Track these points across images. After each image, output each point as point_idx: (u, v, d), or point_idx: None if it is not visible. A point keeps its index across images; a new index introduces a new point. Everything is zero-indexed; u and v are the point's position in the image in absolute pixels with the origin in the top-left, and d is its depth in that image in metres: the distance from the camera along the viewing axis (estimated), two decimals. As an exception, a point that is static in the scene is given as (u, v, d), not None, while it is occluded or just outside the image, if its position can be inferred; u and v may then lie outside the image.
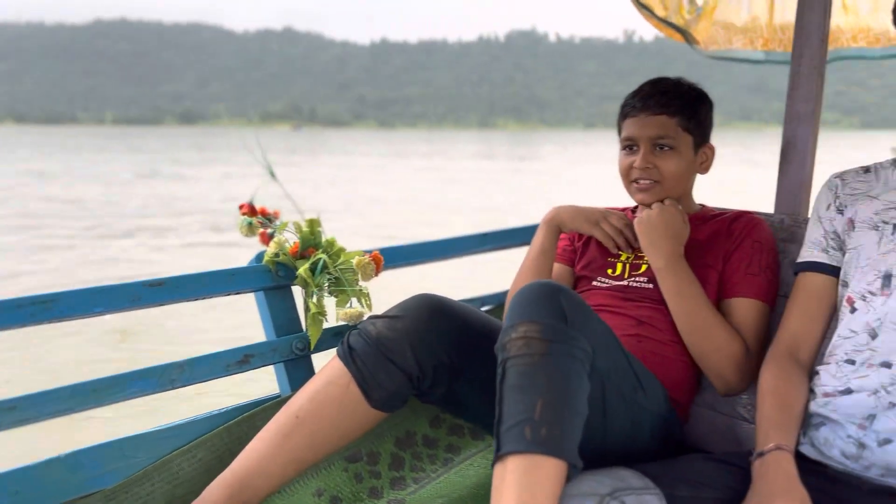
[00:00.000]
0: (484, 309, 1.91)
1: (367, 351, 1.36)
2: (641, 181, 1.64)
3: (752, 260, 1.57)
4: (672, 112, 1.62)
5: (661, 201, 1.62)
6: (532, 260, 1.73)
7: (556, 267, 1.80)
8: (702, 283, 1.57)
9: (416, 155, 39.67)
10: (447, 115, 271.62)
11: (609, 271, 1.69)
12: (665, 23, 2.25)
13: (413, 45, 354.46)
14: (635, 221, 1.61)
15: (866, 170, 1.41)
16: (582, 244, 1.78)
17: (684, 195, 1.70)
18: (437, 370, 1.39)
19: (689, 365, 1.56)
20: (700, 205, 1.75)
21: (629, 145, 1.66)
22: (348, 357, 1.38)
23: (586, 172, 26.18)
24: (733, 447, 1.59)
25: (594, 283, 1.70)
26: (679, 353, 1.55)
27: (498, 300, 1.96)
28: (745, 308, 1.55)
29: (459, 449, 1.69)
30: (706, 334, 1.50)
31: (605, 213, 1.70)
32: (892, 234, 1.28)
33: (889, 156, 1.39)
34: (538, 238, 1.73)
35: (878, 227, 1.31)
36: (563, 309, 1.18)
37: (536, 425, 1.07)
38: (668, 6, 2.22)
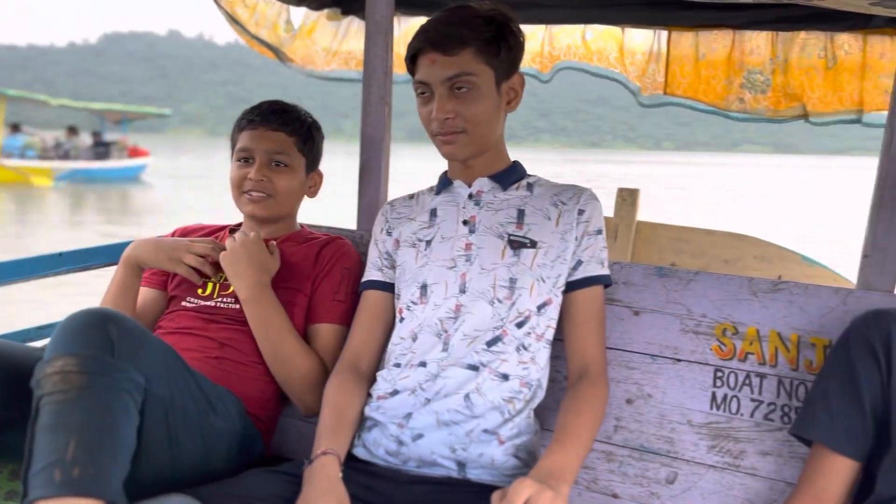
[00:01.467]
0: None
1: None
2: (254, 193, 1.66)
3: (339, 287, 1.65)
4: (290, 131, 1.68)
5: (247, 233, 1.62)
6: (112, 295, 1.65)
7: (145, 292, 1.73)
8: (290, 305, 1.62)
9: None
10: None
11: (199, 291, 1.67)
12: (257, 40, 2.30)
13: None
14: (221, 255, 1.60)
15: (411, 196, 1.59)
16: None
17: (290, 215, 1.76)
18: None
19: (270, 382, 1.60)
20: (301, 225, 1.82)
21: (245, 157, 1.67)
22: None
23: None
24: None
25: (183, 303, 1.67)
26: (261, 373, 1.58)
27: None
28: (331, 333, 1.63)
29: (25, 495, 1.52)
30: (289, 363, 1.55)
31: (189, 245, 1.65)
32: (426, 249, 1.46)
33: None
34: (117, 275, 1.66)
35: (416, 244, 1.48)
36: (110, 338, 1.14)
37: (68, 466, 1.01)
38: (262, 24, 2.28)
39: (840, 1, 1.94)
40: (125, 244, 1.72)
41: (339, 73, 2.59)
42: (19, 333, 1.67)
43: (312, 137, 1.73)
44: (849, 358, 1.24)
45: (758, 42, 2.40)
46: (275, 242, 1.68)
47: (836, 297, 1.41)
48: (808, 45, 2.31)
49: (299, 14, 2.53)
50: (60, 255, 1.78)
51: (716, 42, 2.45)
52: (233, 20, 2.29)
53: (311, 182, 1.77)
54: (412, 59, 1.40)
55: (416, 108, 1.43)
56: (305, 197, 1.79)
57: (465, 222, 1.45)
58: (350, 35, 2.61)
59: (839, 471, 1.22)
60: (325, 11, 2.70)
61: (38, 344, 1.65)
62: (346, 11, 2.69)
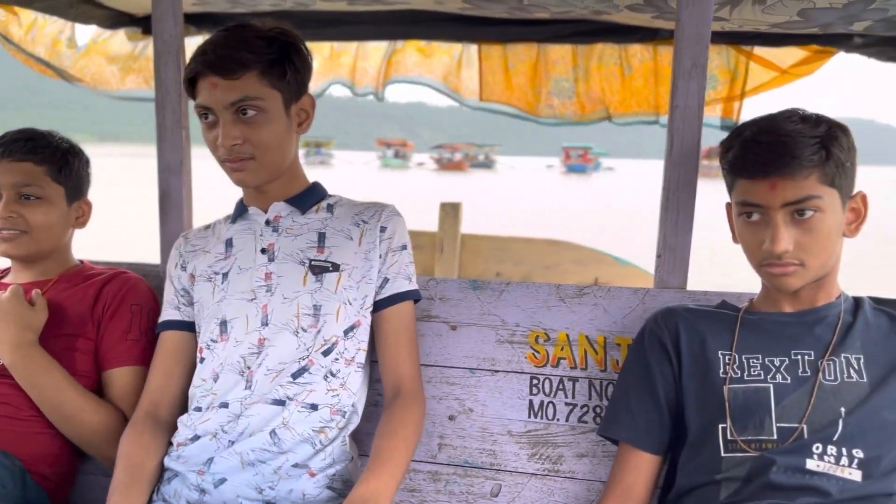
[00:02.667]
0: None
1: None
2: (5, 231, 1.49)
3: (131, 326, 1.51)
4: (40, 160, 1.51)
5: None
6: None
7: None
8: (70, 352, 1.47)
9: None
10: None
11: None
12: (35, 58, 2.14)
13: None
14: None
15: (207, 226, 1.50)
16: None
17: (60, 249, 1.59)
18: None
19: (56, 436, 1.44)
20: (80, 261, 1.65)
21: None
22: None
23: None
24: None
25: None
26: (43, 427, 1.42)
27: None
28: (128, 377, 1.49)
29: None
30: (75, 421, 1.41)
31: None
32: (223, 282, 1.38)
33: None
34: None
35: (212, 278, 1.39)
36: None
37: None
38: (39, 41, 2.11)
39: (627, 16, 2.07)
40: None
41: (136, 93, 2.45)
42: None
43: (69, 164, 1.57)
44: (643, 356, 1.29)
45: (561, 53, 2.51)
46: (39, 291, 1.50)
47: (635, 297, 1.48)
48: (605, 55, 2.44)
49: (86, 31, 2.35)
50: None
51: (523, 53, 2.54)
52: (5, 39, 2.09)
53: (78, 212, 1.61)
54: (191, 82, 1.32)
55: (201, 132, 1.34)
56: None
57: (263, 251, 1.38)
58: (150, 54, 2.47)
59: (644, 466, 1.27)
60: (124, 30, 2.54)
61: None
62: (147, 31, 2.55)
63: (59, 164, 1.54)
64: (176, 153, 1.73)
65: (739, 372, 1.20)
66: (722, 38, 2.25)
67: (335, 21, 2.25)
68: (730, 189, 1.23)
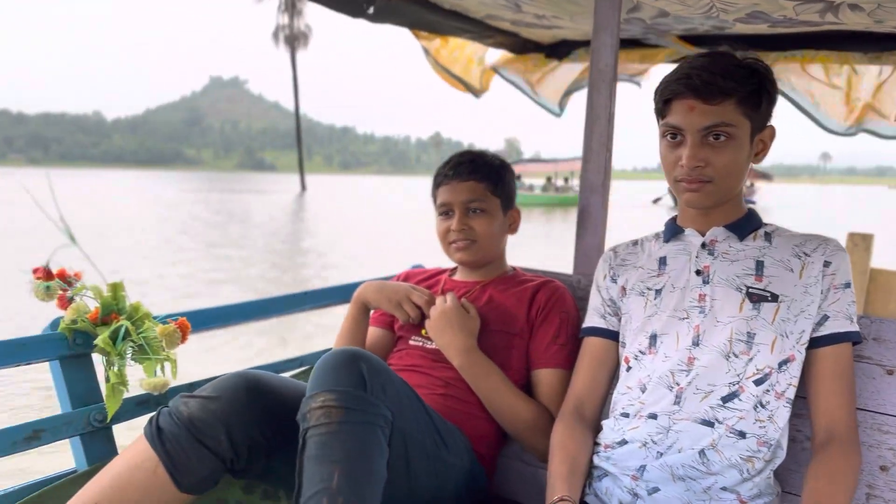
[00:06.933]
0: (303, 369, 1.91)
1: (178, 434, 1.27)
2: (459, 242, 1.75)
3: (559, 331, 1.68)
4: (480, 178, 1.76)
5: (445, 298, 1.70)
6: (345, 329, 1.81)
7: (374, 331, 1.87)
8: (507, 349, 1.68)
9: None
10: None
11: (423, 332, 1.76)
12: (451, 74, 2.69)
13: None
14: (427, 326, 1.70)
15: (635, 242, 1.58)
16: None
17: (498, 256, 1.83)
18: (252, 450, 1.33)
19: (492, 420, 1.64)
20: (512, 267, 1.87)
21: (445, 211, 1.78)
22: (156, 439, 1.28)
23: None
24: (539, 496, 1.69)
25: (410, 342, 1.77)
26: (483, 410, 1.64)
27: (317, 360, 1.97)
28: (554, 378, 1.65)
29: (273, 513, 1.67)
30: (512, 415, 1.60)
31: (408, 292, 1.77)
32: (655, 298, 1.44)
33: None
34: (349, 313, 1.83)
35: (644, 293, 1.47)
36: (362, 375, 1.24)
37: (333, 495, 1.10)
38: (458, 61, 2.74)
39: None
40: (357, 284, 1.87)
41: (542, 101, 2.88)
42: (272, 365, 1.84)
43: (503, 179, 1.79)
44: None
45: None
46: (466, 300, 1.73)
47: None
48: None
49: (495, 53, 2.90)
50: (305, 293, 1.96)
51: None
52: (434, 60, 2.71)
53: (510, 220, 1.84)
54: (665, 102, 1.38)
55: (659, 150, 1.41)
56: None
57: (697, 272, 1.42)
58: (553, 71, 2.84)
59: None
60: (531, 55, 2.87)
61: (289, 374, 1.83)
62: (550, 55, 2.83)
63: (495, 179, 1.78)
64: (598, 174, 1.86)
65: None
66: None
67: (754, 42, 2.21)
68: None
